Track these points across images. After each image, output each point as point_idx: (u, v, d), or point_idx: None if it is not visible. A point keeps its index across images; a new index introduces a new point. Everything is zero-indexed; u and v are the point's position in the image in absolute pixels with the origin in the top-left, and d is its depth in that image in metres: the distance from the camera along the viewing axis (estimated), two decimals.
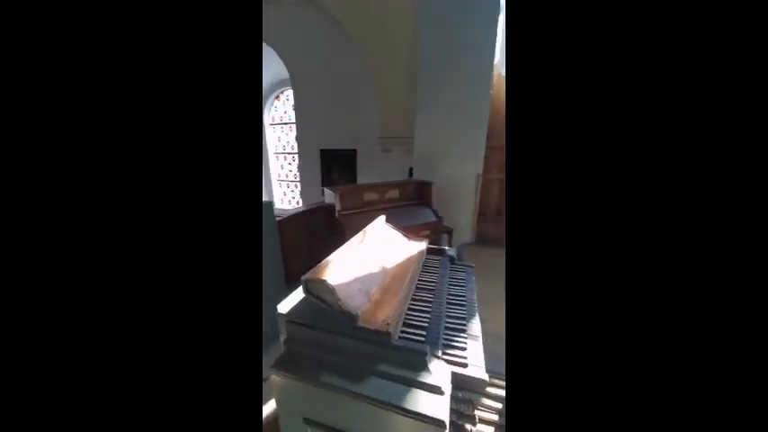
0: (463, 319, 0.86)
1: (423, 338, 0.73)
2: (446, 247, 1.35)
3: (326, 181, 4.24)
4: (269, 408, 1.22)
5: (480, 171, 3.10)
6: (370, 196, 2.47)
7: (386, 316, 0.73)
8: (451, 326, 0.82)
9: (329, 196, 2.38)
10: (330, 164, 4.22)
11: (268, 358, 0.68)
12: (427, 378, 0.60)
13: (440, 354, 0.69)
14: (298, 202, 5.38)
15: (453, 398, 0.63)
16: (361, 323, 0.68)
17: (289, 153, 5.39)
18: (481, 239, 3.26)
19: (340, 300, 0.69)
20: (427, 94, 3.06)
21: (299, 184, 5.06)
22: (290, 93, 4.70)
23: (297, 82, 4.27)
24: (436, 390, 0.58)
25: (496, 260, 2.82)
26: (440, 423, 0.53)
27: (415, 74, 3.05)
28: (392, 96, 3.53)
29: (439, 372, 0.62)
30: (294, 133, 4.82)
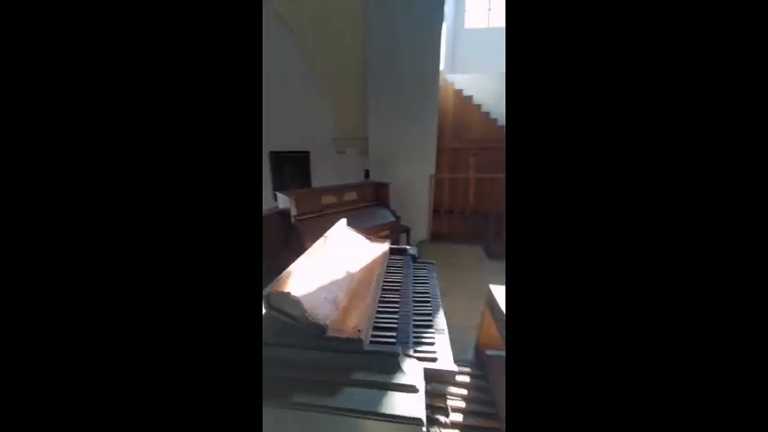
0: (429, 314, 0.89)
1: (394, 340, 0.73)
2: (407, 246, 1.38)
3: (278, 185, 4.00)
4: None
5: (433, 171, 3.27)
6: (328, 199, 2.41)
7: (356, 322, 0.71)
8: (419, 323, 0.85)
9: (283, 201, 2.26)
10: (281, 167, 4.01)
11: None
12: (402, 378, 0.61)
13: (411, 352, 0.71)
14: None
15: (426, 393, 0.65)
16: (330, 333, 0.66)
17: None
18: (436, 236, 3.43)
19: (306, 311, 0.65)
20: (378, 95, 3.10)
21: None
22: None
23: None
24: (411, 389, 0.59)
25: (451, 255, 3.01)
26: (418, 421, 0.54)
27: (365, 74, 3.08)
28: (343, 97, 3.50)
29: (412, 370, 0.63)
30: None
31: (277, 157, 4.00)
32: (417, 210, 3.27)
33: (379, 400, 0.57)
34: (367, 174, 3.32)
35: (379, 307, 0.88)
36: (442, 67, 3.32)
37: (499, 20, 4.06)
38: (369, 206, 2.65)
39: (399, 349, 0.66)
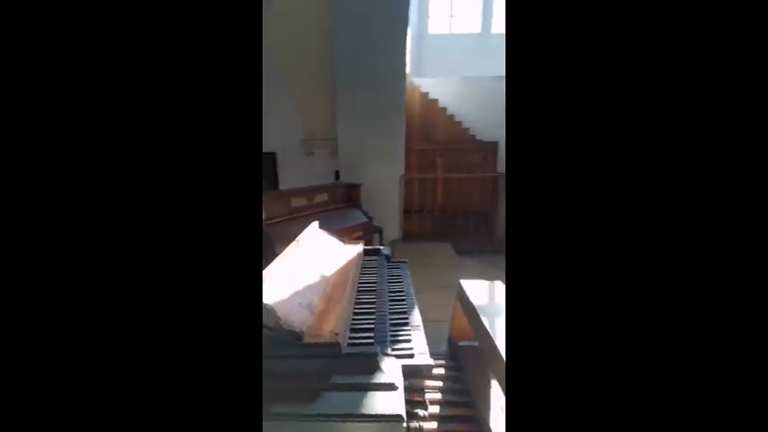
0: (405, 312, 0.91)
1: (372, 340, 0.74)
2: (380, 247, 1.40)
3: None
4: None
5: (402, 172, 3.33)
6: (298, 202, 2.34)
7: (333, 326, 0.71)
8: (395, 321, 0.86)
9: None
10: None
11: None
12: (381, 378, 0.62)
13: (389, 351, 0.72)
14: None
15: (405, 388, 0.66)
16: (307, 339, 0.64)
17: None
18: (407, 235, 3.50)
19: (281, 319, 0.63)
20: (346, 95, 3.09)
21: None
22: None
23: None
24: (391, 387, 0.60)
25: (423, 253, 3.10)
26: (398, 418, 0.55)
27: (333, 76, 3.04)
28: (311, 97, 3.42)
29: (390, 368, 0.65)
30: None
31: None
32: (388, 210, 3.30)
33: (359, 402, 0.57)
34: (337, 175, 3.28)
35: (355, 309, 0.88)
36: (408, 70, 3.39)
37: (461, 26, 4.25)
38: (341, 208, 2.63)
39: (377, 349, 0.67)
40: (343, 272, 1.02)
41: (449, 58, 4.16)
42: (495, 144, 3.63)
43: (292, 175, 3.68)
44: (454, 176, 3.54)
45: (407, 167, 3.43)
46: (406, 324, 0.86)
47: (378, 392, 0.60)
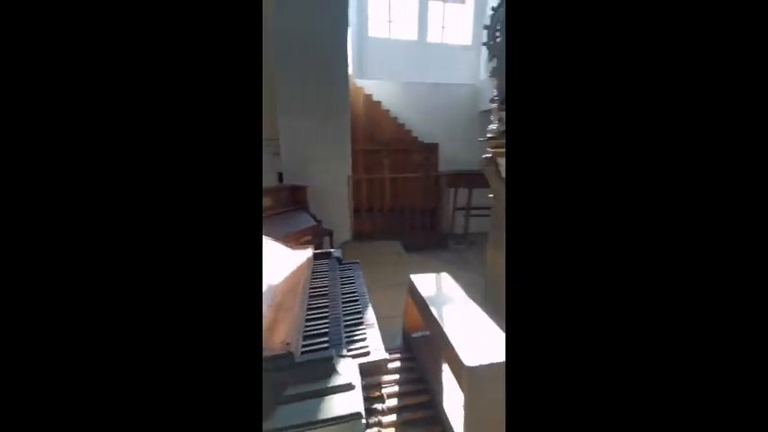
0: (359, 312, 0.92)
1: (326, 344, 0.73)
2: (331, 249, 1.38)
3: None
4: None
5: (350, 172, 3.32)
6: None
7: (284, 336, 0.68)
8: (350, 322, 0.87)
9: None
10: None
11: None
12: (337, 380, 0.62)
13: (344, 352, 0.72)
14: None
15: (363, 386, 0.68)
16: None
17: None
18: (358, 235, 3.51)
19: None
20: (287, 95, 2.94)
21: None
22: None
23: None
24: (348, 387, 0.61)
25: (373, 252, 3.14)
26: (356, 416, 0.56)
27: (272, 74, 2.86)
28: None
29: (347, 369, 0.65)
30: None
31: None
32: (338, 211, 3.26)
33: (316, 408, 0.57)
34: (281, 177, 3.10)
35: (308, 315, 0.85)
36: (350, 71, 3.39)
37: (399, 32, 4.42)
38: (286, 211, 2.50)
39: (333, 352, 0.67)
40: (293, 278, 0.98)
41: (389, 61, 4.29)
42: (435, 145, 3.88)
43: None
44: (400, 176, 3.67)
45: (355, 168, 3.44)
46: (361, 324, 0.87)
47: (335, 395, 0.60)
